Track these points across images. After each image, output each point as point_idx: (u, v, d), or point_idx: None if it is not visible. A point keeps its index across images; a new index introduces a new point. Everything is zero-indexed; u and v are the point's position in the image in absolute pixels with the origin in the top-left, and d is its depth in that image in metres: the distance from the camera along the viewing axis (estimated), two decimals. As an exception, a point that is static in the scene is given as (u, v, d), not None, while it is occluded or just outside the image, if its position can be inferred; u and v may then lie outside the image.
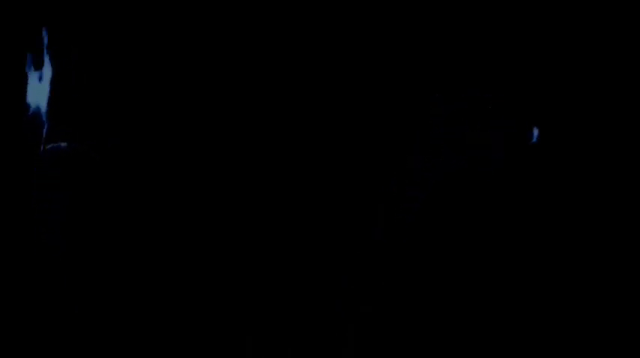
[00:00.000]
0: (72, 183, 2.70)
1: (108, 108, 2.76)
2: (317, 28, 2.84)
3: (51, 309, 2.64)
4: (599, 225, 2.80)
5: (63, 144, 2.65)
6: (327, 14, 2.84)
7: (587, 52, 2.83)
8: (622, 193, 2.80)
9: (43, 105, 2.68)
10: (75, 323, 2.66)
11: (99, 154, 2.72)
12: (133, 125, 2.77)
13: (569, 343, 2.76)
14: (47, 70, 2.71)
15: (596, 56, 2.83)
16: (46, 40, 2.70)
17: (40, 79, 2.69)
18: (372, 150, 2.83)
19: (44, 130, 2.66)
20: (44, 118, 2.66)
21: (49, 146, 2.65)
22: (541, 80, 2.83)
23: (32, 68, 2.67)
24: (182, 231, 2.76)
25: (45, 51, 2.69)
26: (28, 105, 2.66)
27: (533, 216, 2.79)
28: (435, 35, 2.84)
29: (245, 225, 2.80)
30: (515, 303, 2.76)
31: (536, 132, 2.81)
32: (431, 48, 2.84)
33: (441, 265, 2.78)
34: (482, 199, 2.79)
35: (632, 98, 2.82)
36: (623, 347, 2.75)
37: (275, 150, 2.83)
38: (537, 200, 2.79)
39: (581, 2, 2.82)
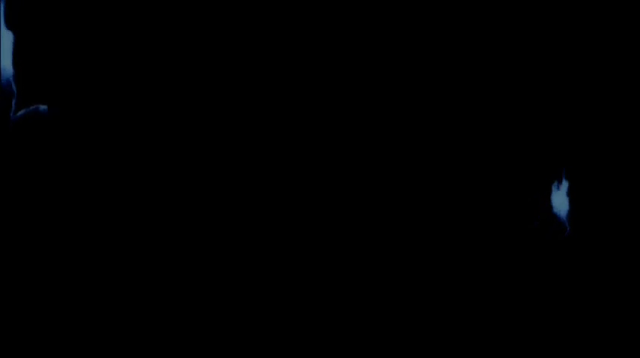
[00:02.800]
0: (71, 182, 2.69)
1: (107, 107, 2.76)
2: (318, 30, 2.85)
3: (51, 309, 2.63)
4: (600, 220, 2.81)
5: (42, 107, 2.60)
6: (332, 17, 2.85)
7: (587, 53, 2.85)
8: (624, 193, 2.82)
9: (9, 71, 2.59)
10: (75, 323, 2.65)
11: (97, 152, 2.72)
12: (133, 124, 2.77)
13: (579, 343, 2.77)
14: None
15: (596, 57, 2.85)
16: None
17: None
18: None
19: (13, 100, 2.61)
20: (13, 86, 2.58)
21: (21, 112, 2.60)
22: (541, 80, 2.84)
23: None
24: (182, 231, 2.76)
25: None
26: None
27: (532, 215, 2.80)
28: (435, 36, 2.85)
29: (245, 225, 2.80)
30: (516, 302, 2.77)
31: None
32: (431, 48, 2.85)
33: (440, 265, 2.78)
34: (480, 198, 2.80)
35: (633, 99, 2.84)
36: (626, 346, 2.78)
37: (275, 151, 2.83)
38: (537, 199, 2.81)
39: (580, 2, 2.84)
